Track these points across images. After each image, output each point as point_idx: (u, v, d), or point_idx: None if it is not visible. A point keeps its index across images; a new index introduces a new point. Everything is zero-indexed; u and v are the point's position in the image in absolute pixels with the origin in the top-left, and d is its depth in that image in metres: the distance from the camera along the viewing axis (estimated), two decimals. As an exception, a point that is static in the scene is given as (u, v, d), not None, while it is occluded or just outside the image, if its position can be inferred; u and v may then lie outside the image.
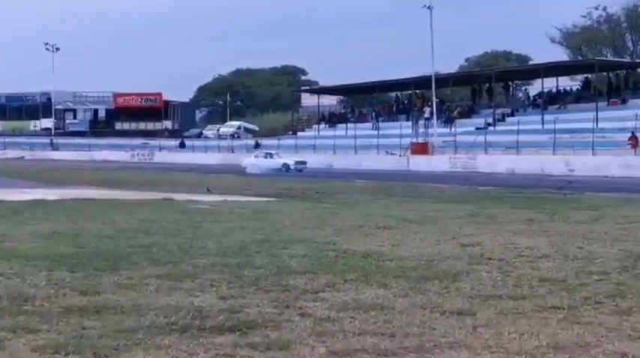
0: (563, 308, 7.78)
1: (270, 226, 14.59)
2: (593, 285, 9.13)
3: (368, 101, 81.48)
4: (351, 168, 53.99)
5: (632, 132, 43.46)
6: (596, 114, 49.34)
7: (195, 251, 11.29)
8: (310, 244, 12.08)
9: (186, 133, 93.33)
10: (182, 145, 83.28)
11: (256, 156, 54.35)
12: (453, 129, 57.16)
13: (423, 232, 14.22)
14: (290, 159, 53.52)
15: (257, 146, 69.33)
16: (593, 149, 44.89)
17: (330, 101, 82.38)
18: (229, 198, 23.04)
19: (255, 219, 16.10)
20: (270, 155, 54.52)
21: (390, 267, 10.15)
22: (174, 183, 34.10)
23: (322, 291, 8.50)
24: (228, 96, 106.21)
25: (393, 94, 77.37)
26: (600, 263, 10.84)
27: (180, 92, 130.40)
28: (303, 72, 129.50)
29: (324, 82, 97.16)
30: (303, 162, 53.15)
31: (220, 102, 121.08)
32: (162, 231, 13.71)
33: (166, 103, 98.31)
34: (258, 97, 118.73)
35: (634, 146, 43.47)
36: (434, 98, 58.90)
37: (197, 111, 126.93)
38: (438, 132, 57.17)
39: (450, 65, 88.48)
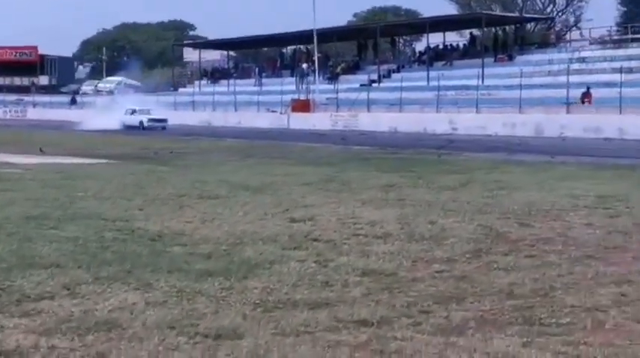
0: (372, 324, 5.53)
1: (66, 196, 12.06)
2: (429, 281, 6.94)
3: (256, 57, 78.65)
4: (230, 126, 51.42)
5: (588, 88, 40.27)
6: (482, 71, 47.73)
7: None
8: (93, 222, 9.63)
9: (64, 89, 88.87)
10: (73, 101, 78.69)
11: (129, 113, 50.03)
12: (337, 86, 54.98)
13: (253, 203, 11.88)
14: (144, 116, 49.48)
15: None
16: (477, 107, 43.23)
17: (214, 56, 79.05)
18: (58, 159, 20.34)
19: (57, 187, 13.50)
20: (133, 111, 50.52)
21: (176, 255, 7.80)
22: (16, 141, 30.95)
23: (49, 298, 6.04)
24: (104, 50, 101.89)
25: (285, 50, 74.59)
26: (450, 245, 8.70)
27: (64, 46, 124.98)
28: (192, 27, 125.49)
29: (214, 37, 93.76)
30: (162, 120, 49.33)
31: (104, 57, 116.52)
32: None
33: (42, 57, 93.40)
34: (144, 52, 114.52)
35: (589, 103, 40.36)
36: (315, 52, 56.43)
37: (81, 67, 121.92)
38: (321, 88, 54.80)
39: (338, 20, 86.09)
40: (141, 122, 48.23)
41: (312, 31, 54.61)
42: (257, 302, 6.11)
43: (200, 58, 72.43)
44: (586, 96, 39.40)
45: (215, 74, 72.61)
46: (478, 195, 13.36)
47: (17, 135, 37.00)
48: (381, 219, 10.46)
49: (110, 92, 76.58)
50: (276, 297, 6.25)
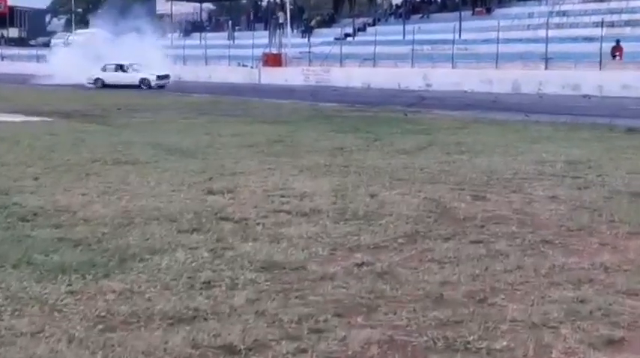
0: (239, 352, 4.08)
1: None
2: (341, 279, 5.54)
3: (231, 10, 76.36)
4: (201, 81, 49.52)
5: (617, 41, 36.32)
6: (459, 25, 45.95)
7: None
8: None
9: (33, 42, 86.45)
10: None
11: (104, 70, 46.27)
12: (310, 40, 53.08)
13: (174, 170, 10.41)
14: (150, 74, 43.99)
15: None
16: (453, 62, 41.53)
17: (188, 9, 76.67)
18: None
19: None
20: (122, 67, 45.23)
21: (38, 242, 6.34)
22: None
23: None
24: (72, 2, 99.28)
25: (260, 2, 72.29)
26: (383, 225, 7.23)
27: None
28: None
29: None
30: (166, 76, 44.77)
31: (80, 9, 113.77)
32: None
33: (12, 9, 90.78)
34: (120, 4, 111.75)
35: (620, 57, 36.23)
36: (288, 4, 54.44)
37: (55, 19, 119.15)
38: (295, 42, 52.90)
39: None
40: (144, 80, 43.34)
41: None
42: (102, 315, 4.65)
43: (172, 10, 70.14)
44: (616, 50, 36.22)
45: (187, 27, 70.45)
46: (435, 161, 11.95)
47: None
48: (313, 191, 9.03)
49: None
50: (131, 307, 4.80)
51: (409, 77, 41.09)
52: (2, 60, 74.84)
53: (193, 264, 5.84)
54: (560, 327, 4.60)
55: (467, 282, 5.51)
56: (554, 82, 34.91)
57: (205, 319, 4.65)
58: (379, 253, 6.34)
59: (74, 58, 51.87)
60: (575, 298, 5.12)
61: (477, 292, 5.28)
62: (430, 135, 15.80)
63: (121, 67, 45.12)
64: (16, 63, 70.43)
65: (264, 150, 13.21)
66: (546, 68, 37.30)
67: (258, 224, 7.33)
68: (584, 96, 31.94)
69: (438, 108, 26.10)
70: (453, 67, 40.68)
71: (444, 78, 39.31)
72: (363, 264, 5.99)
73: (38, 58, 70.22)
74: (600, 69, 34.80)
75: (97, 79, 44.45)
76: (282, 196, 8.75)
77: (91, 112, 22.03)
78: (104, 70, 45.39)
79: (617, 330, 4.57)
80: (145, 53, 47.62)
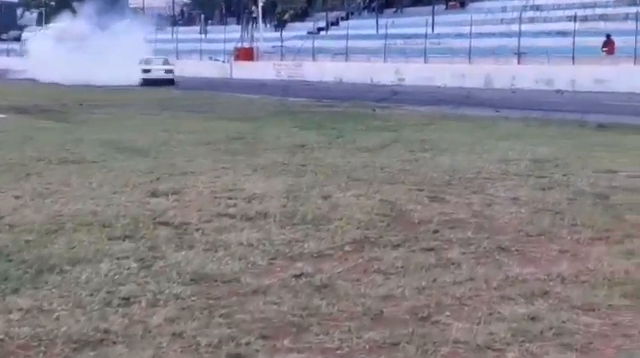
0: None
1: None
2: (275, 294, 5.12)
3: (206, 4, 75.58)
4: (171, 76, 48.81)
5: (608, 36, 35.43)
6: (433, 19, 45.56)
7: None
8: None
9: (4, 36, 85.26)
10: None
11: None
12: (282, 34, 52.57)
13: (121, 170, 9.92)
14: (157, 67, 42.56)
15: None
16: (425, 56, 41.16)
17: (160, 3, 75.91)
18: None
19: None
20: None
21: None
22: None
23: None
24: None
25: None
26: (332, 231, 6.77)
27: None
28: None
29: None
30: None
31: (52, 3, 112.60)
32: None
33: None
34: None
35: (609, 52, 35.28)
36: (260, -3, 53.88)
37: (28, 13, 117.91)
38: (267, 36, 52.38)
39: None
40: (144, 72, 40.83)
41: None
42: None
43: (144, 4, 69.43)
44: (607, 45, 35.36)
45: (161, 21, 69.67)
46: (397, 159, 11.52)
47: None
48: (264, 193, 8.57)
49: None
50: (34, 329, 4.33)
51: (382, 72, 40.73)
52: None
53: (117, 277, 5.37)
54: (506, 350, 4.17)
55: (411, 296, 5.07)
56: (527, 76, 34.64)
57: (114, 342, 4.18)
58: (322, 262, 5.90)
59: (49, 52, 50.38)
60: (527, 315, 4.69)
61: (420, 308, 4.84)
62: (396, 132, 15.38)
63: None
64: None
65: (221, 147, 12.74)
66: (519, 63, 37.03)
67: (197, 229, 6.86)
68: (557, 91, 31.67)
69: (408, 103, 25.73)
70: (425, 62, 40.39)
71: (417, 72, 38.98)
72: (302, 275, 5.54)
73: (8, 52, 69.30)
74: (573, 63, 34.49)
75: None
76: (230, 198, 8.29)
77: (52, 108, 21.46)
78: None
79: (568, 353, 4.14)
80: (122, 48, 46.05)
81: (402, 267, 5.76)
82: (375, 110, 21.94)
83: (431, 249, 6.28)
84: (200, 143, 13.17)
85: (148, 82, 39.34)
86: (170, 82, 39.43)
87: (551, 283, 5.39)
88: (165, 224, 7.04)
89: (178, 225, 7.02)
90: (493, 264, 5.88)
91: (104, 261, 5.73)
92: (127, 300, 4.89)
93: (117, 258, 5.85)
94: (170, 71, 41.95)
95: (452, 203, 8.27)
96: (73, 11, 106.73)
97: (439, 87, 36.21)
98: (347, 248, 6.35)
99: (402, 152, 12.37)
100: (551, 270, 5.68)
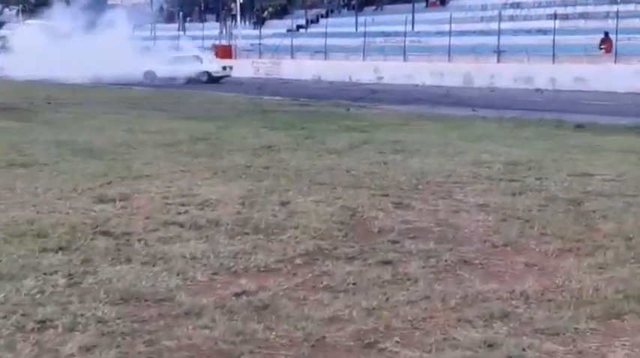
0: None
1: None
2: (209, 315, 4.59)
3: (185, 0, 74.87)
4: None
5: (606, 33, 34.19)
6: (412, 17, 45.11)
7: None
8: None
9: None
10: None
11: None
12: (261, 31, 52.00)
13: (71, 173, 9.44)
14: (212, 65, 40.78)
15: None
16: (405, 55, 40.73)
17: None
18: None
19: None
20: (182, 59, 40.86)
21: None
22: None
23: None
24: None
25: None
26: (285, 241, 6.30)
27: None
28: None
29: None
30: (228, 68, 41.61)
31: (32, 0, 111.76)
32: None
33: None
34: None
35: (608, 50, 33.93)
36: (238, -6, 53.29)
37: (7, 10, 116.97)
38: (245, 34, 51.84)
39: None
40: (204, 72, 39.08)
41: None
42: None
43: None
44: (604, 43, 34.32)
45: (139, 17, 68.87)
46: (365, 161, 11.06)
47: None
48: (219, 198, 8.09)
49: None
50: None
51: (360, 70, 40.31)
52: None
53: (38, 296, 4.88)
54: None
55: (359, 319, 4.60)
56: (506, 75, 34.30)
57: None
58: (267, 278, 5.43)
59: (29, 49, 48.78)
60: (483, 341, 4.23)
61: (367, 333, 4.38)
62: (367, 133, 14.92)
63: (179, 59, 40.98)
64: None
65: (183, 149, 12.25)
66: (499, 61, 36.69)
67: (140, 240, 6.38)
68: (537, 90, 31.33)
69: (385, 102, 25.32)
70: (405, 60, 39.93)
71: (396, 71, 38.59)
72: (243, 293, 5.07)
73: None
74: (553, 62, 34.15)
75: (147, 72, 39.95)
76: (182, 204, 7.81)
77: (17, 106, 20.86)
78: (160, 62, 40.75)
79: (526, 388, 3.68)
80: (105, 45, 44.29)
81: (353, 284, 5.31)
82: (349, 109, 21.49)
83: (388, 263, 5.83)
84: (162, 144, 12.69)
85: (212, 80, 38.63)
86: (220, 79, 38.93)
87: (513, 302, 4.94)
88: (106, 234, 6.55)
89: (120, 235, 6.53)
90: (453, 280, 5.44)
91: (29, 277, 5.25)
92: (42, 324, 4.41)
93: (44, 273, 5.37)
94: (225, 67, 41.25)
95: (416, 209, 7.82)
96: (52, 8, 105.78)
97: (418, 85, 35.84)
98: (297, 261, 5.89)
99: (372, 154, 11.91)
100: (515, 287, 5.24)
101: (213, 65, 40.99)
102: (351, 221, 7.24)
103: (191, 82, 37.27)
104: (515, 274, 5.64)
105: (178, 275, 5.42)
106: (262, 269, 5.68)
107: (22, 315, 4.53)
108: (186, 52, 42.28)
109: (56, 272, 5.41)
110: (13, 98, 24.60)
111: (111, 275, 5.34)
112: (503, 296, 5.07)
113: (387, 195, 8.48)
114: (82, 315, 4.57)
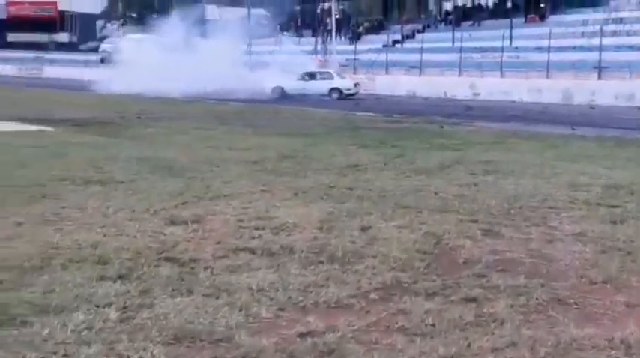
0: None
1: None
2: (264, 363, 4.07)
3: (281, 15, 75.21)
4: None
5: None
6: (510, 32, 44.13)
7: None
8: None
9: (83, 46, 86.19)
10: (102, 60, 74.86)
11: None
12: (356, 47, 51.55)
13: (147, 192, 9.14)
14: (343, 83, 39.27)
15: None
16: (501, 70, 39.80)
17: (236, 15, 75.66)
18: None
19: None
20: (312, 75, 39.69)
21: None
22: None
23: None
24: (120, 4, 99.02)
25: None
26: (360, 272, 5.97)
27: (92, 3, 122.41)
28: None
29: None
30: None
31: (133, 15, 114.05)
32: None
33: (62, 14, 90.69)
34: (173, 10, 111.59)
35: None
36: (333, 10, 52.94)
37: (109, 25, 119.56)
38: (341, 49, 51.46)
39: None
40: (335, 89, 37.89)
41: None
42: None
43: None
44: None
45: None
46: (455, 183, 10.49)
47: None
48: (297, 222, 7.65)
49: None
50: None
51: (456, 86, 39.57)
52: (51, 65, 74.36)
53: (85, 333, 4.48)
54: None
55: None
56: (607, 92, 33.17)
57: None
58: (338, 316, 4.95)
59: (132, 64, 47.30)
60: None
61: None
62: (459, 152, 14.32)
63: (310, 75, 39.91)
64: (65, 68, 69.79)
65: (268, 167, 11.86)
66: (599, 78, 35.49)
67: (206, 268, 5.96)
68: (639, 107, 30.15)
69: (480, 119, 24.62)
70: (502, 76, 39.01)
71: (492, 87, 37.75)
72: (308, 333, 4.59)
73: (87, 63, 69.70)
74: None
75: (275, 88, 38.70)
76: (257, 228, 7.38)
77: (107, 120, 20.83)
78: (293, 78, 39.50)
79: None
80: (211, 59, 42.68)
81: (432, 325, 4.78)
82: (443, 126, 20.87)
83: (472, 300, 5.29)
84: (246, 161, 12.33)
85: (343, 97, 37.64)
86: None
87: (612, 352, 4.33)
88: (171, 260, 6.16)
89: (186, 261, 6.14)
90: (544, 323, 4.86)
91: (80, 310, 4.86)
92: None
93: (97, 305, 4.98)
94: (357, 84, 40.62)
95: (507, 238, 7.23)
96: (152, 23, 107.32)
97: (515, 102, 34.93)
98: (372, 295, 5.39)
99: (462, 174, 11.32)
100: (615, 333, 4.64)
101: (345, 82, 39.76)
102: (435, 250, 6.71)
103: (322, 98, 36.20)
104: (615, 317, 5.04)
105: (241, 310, 4.98)
106: (333, 305, 5.20)
107: (63, 356, 4.12)
108: (314, 67, 41.47)
109: (110, 304, 5.02)
110: (105, 112, 24.64)
111: (168, 310, 4.93)
112: (600, 344, 4.48)
113: (475, 221, 7.91)
114: (127, 357, 4.13)
